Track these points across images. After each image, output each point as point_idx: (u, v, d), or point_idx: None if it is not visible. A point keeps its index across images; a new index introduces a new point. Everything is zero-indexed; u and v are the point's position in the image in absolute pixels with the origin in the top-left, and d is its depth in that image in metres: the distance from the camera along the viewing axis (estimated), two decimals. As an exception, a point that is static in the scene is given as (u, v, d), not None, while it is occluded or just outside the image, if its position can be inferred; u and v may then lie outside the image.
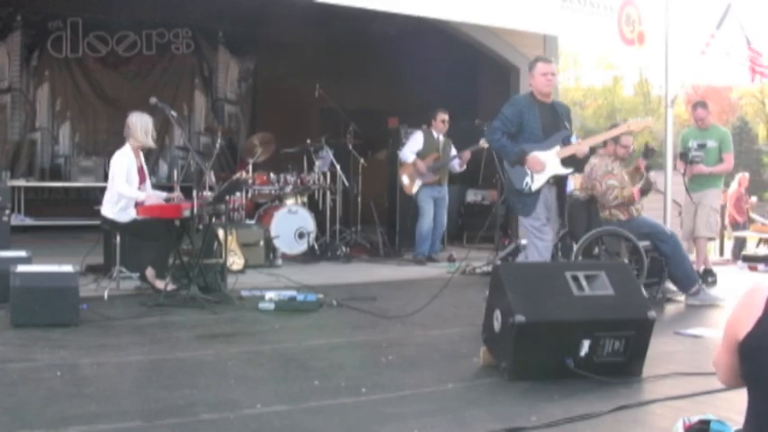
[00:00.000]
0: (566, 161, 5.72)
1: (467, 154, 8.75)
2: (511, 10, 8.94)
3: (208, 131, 12.41)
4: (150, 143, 6.31)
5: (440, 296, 5.60)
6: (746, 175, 14.63)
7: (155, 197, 6.24)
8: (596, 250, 6.43)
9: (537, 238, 5.64)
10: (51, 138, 11.98)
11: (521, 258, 5.82)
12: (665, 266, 6.25)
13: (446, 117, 8.92)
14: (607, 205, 6.37)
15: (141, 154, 6.31)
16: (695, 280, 6.29)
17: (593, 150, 6.22)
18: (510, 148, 5.68)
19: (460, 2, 8.68)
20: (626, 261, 6.06)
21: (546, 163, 5.65)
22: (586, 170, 6.48)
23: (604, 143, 6.44)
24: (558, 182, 5.85)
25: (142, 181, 6.24)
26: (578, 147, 5.73)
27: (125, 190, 6.05)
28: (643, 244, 6.19)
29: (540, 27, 9.66)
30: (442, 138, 8.95)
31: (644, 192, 6.39)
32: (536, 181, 5.66)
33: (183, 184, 7.77)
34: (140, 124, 6.16)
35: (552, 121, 5.76)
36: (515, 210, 5.20)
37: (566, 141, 5.75)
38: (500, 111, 5.79)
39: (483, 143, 8.23)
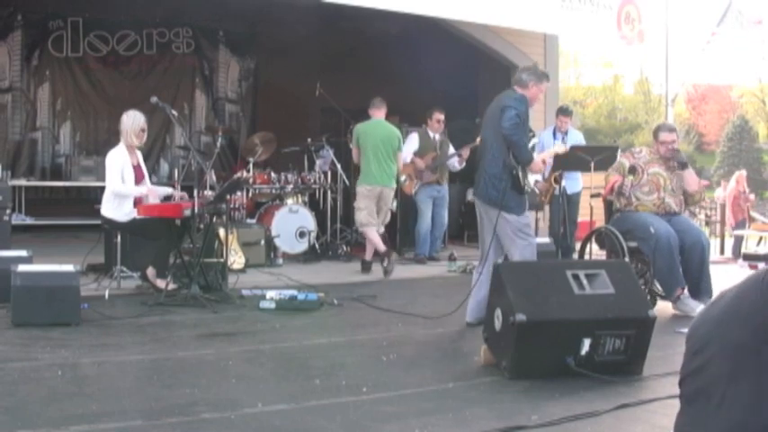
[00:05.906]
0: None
1: (466, 151, 8.74)
2: (511, 9, 8.97)
3: (208, 131, 12.41)
4: (135, 143, 6.14)
5: (440, 295, 5.60)
6: (744, 172, 14.60)
7: (155, 192, 6.23)
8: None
9: (528, 236, 5.32)
10: (52, 137, 11.98)
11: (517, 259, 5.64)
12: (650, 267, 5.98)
13: (442, 117, 8.92)
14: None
15: (138, 152, 6.29)
16: (673, 286, 5.91)
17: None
18: (525, 145, 5.37)
19: (461, 1, 8.70)
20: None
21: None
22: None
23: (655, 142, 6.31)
24: None
25: (140, 179, 6.22)
26: (545, 155, 5.68)
27: (119, 188, 6.02)
28: (633, 244, 6.01)
29: (541, 26, 9.69)
30: (438, 137, 8.95)
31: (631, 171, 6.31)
32: (529, 181, 5.59)
33: (184, 183, 7.78)
34: (130, 124, 6.11)
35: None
36: (507, 207, 5.04)
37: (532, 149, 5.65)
38: (511, 105, 5.23)
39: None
